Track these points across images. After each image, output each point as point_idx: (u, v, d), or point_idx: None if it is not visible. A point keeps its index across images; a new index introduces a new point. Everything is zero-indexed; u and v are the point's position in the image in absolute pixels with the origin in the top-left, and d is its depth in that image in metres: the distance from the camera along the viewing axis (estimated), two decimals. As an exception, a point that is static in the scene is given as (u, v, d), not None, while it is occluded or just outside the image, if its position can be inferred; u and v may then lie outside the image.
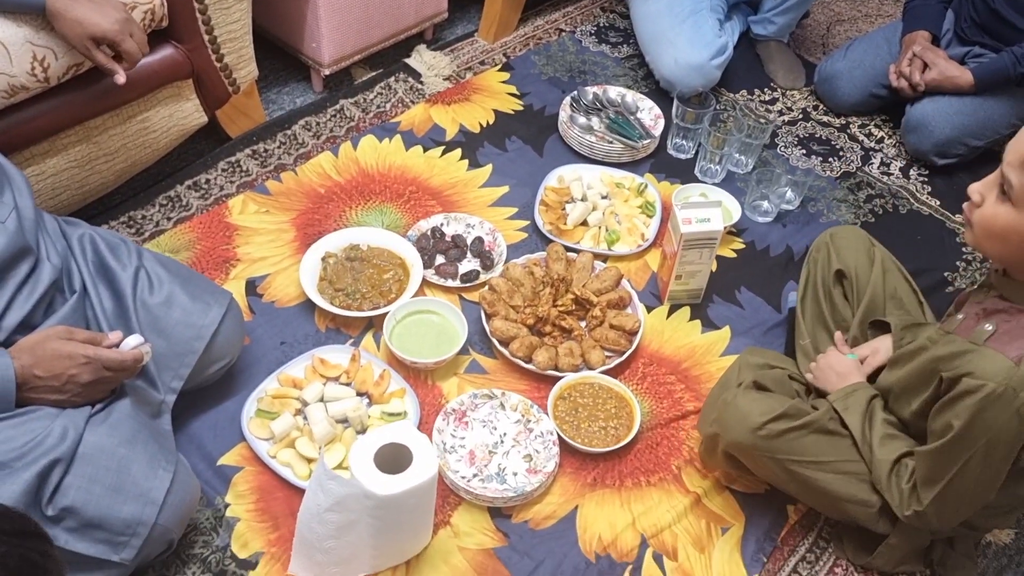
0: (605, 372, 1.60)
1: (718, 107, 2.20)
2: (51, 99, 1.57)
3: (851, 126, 2.31)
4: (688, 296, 1.76)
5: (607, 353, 1.64)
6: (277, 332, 1.63)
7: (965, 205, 1.21)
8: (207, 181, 1.92)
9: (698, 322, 1.75)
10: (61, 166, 1.65)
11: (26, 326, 1.24)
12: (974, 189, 1.19)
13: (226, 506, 1.38)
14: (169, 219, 1.83)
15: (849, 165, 2.18)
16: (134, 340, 1.26)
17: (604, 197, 1.94)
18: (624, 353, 1.63)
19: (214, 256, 1.75)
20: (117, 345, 1.24)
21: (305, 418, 1.47)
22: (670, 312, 1.76)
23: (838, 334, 1.53)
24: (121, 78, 1.50)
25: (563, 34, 2.47)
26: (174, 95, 1.79)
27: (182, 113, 1.82)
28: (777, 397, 1.39)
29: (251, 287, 1.70)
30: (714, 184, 2.03)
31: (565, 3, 2.59)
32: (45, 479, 1.14)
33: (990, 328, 1.19)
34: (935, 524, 1.27)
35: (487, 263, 1.76)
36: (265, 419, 1.46)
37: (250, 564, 1.32)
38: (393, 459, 1.22)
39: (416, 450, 1.22)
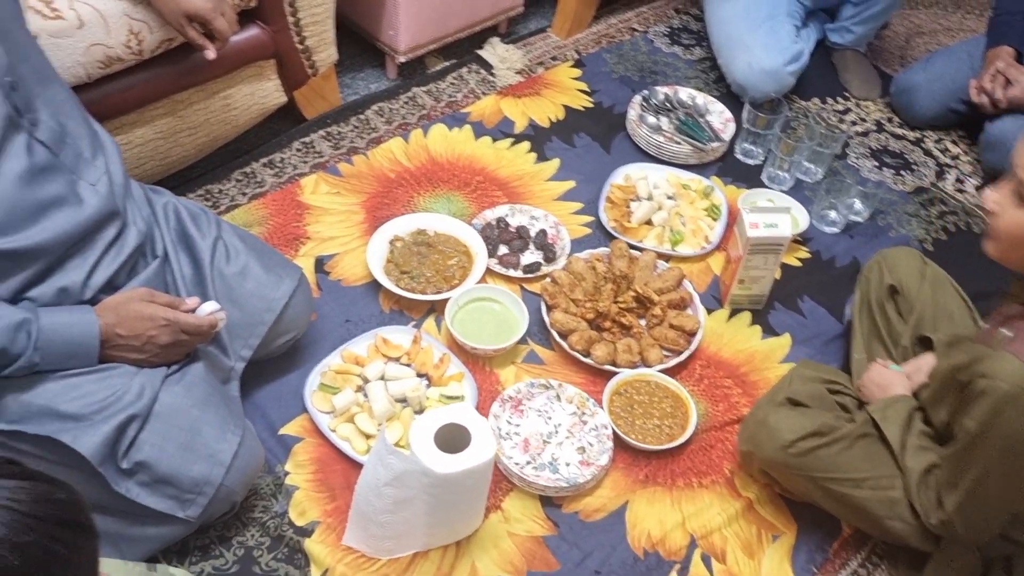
0: (662, 371, 1.60)
1: (789, 114, 2.18)
2: (143, 71, 1.63)
3: (926, 140, 2.27)
4: (750, 301, 1.75)
5: (665, 352, 1.64)
6: (343, 310, 1.67)
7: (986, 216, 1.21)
8: (282, 160, 1.97)
9: (758, 328, 1.74)
10: (148, 136, 1.72)
11: (110, 286, 1.29)
12: (990, 199, 1.19)
13: (286, 474, 1.42)
14: (244, 194, 1.88)
15: (922, 180, 2.15)
16: (210, 307, 1.30)
17: (670, 197, 1.94)
18: (682, 353, 1.63)
19: (285, 232, 1.80)
20: (194, 310, 1.29)
21: (365, 395, 1.51)
22: (731, 316, 1.76)
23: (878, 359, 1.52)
24: (212, 54, 1.55)
25: (636, 34, 2.47)
26: (256, 74, 1.84)
27: (263, 92, 1.87)
28: (811, 414, 1.38)
29: (319, 264, 1.75)
30: (782, 191, 2.02)
31: (639, 3, 2.59)
32: (122, 433, 1.19)
33: (1009, 334, 1.19)
34: (962, 533, 1.26)
35: (550, 256, 1.78)
36: (327, 393, 1.50)
37: (306, 532, 1.36)
38: (452, 439, 1.24)
39: (475, 432, 1.24)
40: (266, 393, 1.52)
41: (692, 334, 1.66)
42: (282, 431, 1.48)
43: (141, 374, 1.24)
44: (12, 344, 1.14)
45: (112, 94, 1.60)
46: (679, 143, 2.04)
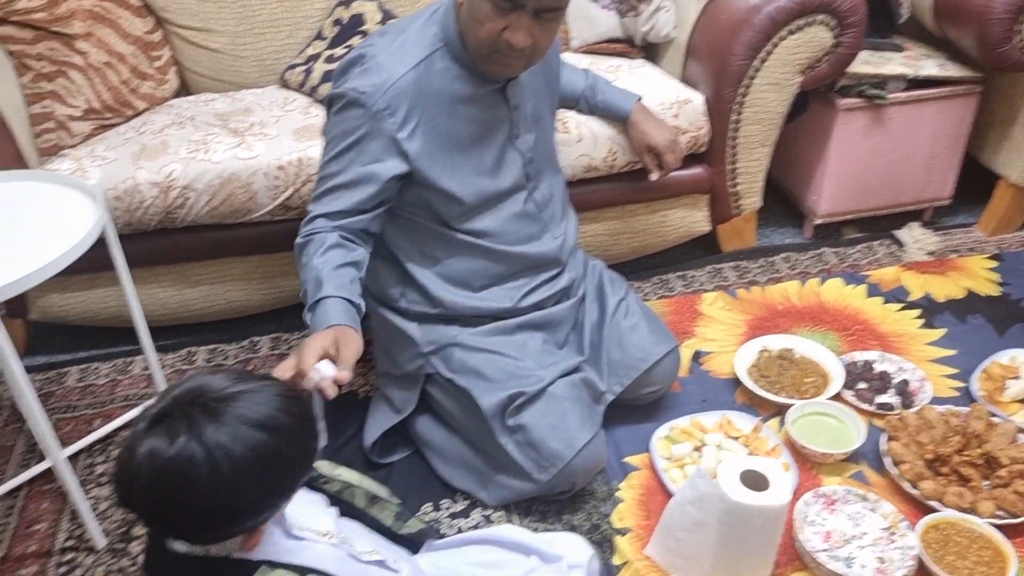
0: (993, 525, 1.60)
1: None
2: (610, 182, 2.19)
3: None
4: (1122, 502, 1.65)
5: (999, 512, 1.63)
6: (703, 392, 1.98)
7: None
8: (692, 276, 2.39)
9: None
10: (599, 231, 2.27)
11: (537, 307, 1.79)
12: None
13: (618, 489, 1.74)
14: (656, 294, 2.33)
15: None
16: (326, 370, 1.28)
17: (1056, 386, 1.91)
18: (1019, 518, 1.61)
19: (678, 328, 2.18)
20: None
21: (700, 454, 1.78)
22: (1094, 510, 1.66)
23: None
24: (654, 177, 2.07)
25: (1073, 244, 2.46)
26: (691, 204, 2.31)
27: (693, 219, 2.34)
28: None
29: (696, 355, 2.09)
30: None
31: (1087, 219, 2.56)
32: (512, 401, 1.64)
33: None
34: None
35: (907, 402, 1.88)
36: (669, 442, 1.81)
37: (620, 532, 1.65)
38: (755, 483, 1.46)
39: (775, 482, 1.45)
40: (624, 429, 1.87)
41: (1038, 508, 1.62)
42: (626, 459, 1.81)
43: (546, 368, 1.70)
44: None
45: (586, 193, 2.18)
46: (1085, 343, 2.00)
